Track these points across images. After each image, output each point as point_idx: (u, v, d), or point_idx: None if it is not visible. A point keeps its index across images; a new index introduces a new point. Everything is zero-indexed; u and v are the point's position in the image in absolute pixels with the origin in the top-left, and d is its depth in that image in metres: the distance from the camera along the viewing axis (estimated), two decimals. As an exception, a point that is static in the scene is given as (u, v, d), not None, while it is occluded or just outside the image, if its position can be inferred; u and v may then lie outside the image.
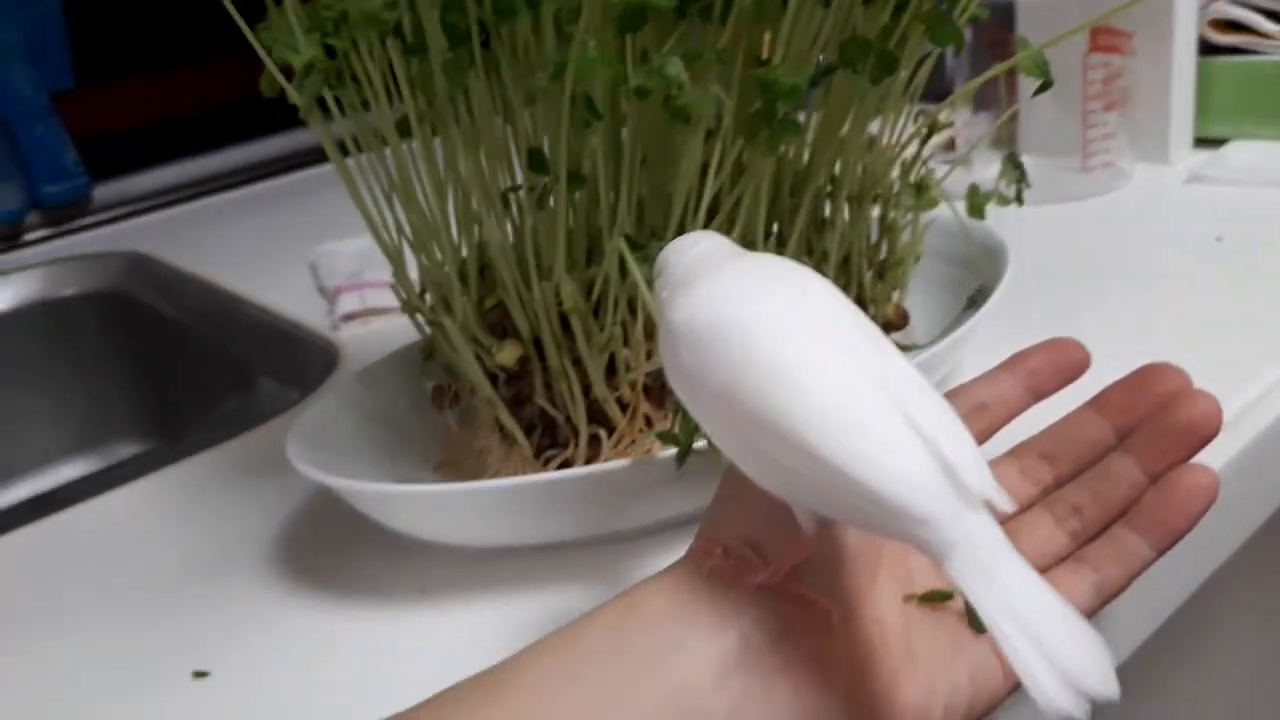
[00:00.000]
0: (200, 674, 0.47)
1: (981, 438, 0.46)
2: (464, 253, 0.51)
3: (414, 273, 0.53)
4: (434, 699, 0.33)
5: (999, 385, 0.43)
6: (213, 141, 1.25)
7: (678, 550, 0.37)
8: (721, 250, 0.36)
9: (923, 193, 0.57)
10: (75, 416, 1.00)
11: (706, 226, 0.48)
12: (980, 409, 0.43)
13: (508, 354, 0.50)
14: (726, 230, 0.49)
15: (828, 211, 0.54)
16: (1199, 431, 0.40)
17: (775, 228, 0.52)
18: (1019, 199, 0.59)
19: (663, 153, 0.49)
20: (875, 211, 0.56)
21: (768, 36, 0.48)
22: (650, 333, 0.49)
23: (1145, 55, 0.84)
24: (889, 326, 0.57)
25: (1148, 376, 0.42)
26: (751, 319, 0.32)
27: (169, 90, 1.24)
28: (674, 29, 0.45)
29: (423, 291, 0.53)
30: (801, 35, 0.47)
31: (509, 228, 0.50)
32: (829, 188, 0.54)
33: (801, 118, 0.49)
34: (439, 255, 0.51)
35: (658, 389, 0.51)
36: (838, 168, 0.53)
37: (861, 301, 0.56)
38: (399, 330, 0.61)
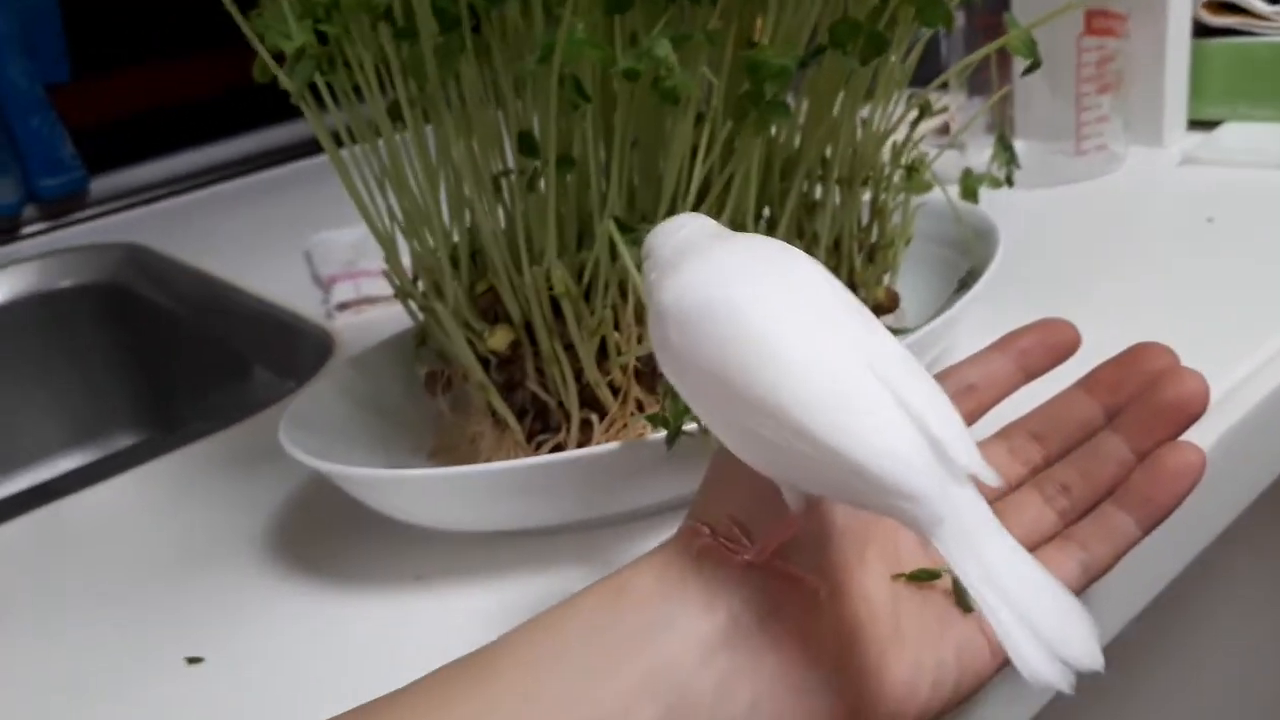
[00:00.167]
0: (194, 660, 0.47)
1: (972, 418, 0.46)
2: (456, 238, 0.51)
3: (407, 259, 0.53)
4: (424, 679, 0.34)
5: (990, 365, 0.43)
6: (209, 133, 1.25)
7: (669, 533, 0.37)
8: (709, 232, 0.36)
9: (914, 176, 0.57)
10: (72, 407, 1.01)
11: (696, 209, 0.48)
12: (970, 389, 0.43)
13: (499, 339, 0.50)
14: (717, 213, 0.49)
15: (818, 194, 0.54)
16: (1186, 409, 0.40)
17: (766, 210, 0.53)
18: (1009, 180, 0.59)
19: (653, 135, 0.49)
20: (866, 194, 0.57)
21: (759, 19, 0.48)
22: (641, 316, 0.49)
23: (1139, 37, 0.84)
24: (879, 309, 0.58)
25: (1136, 355, 0.42)
26: (740, 298, 0.32)
27: (165, 82, 1.24)
28: (663, 11, 0.45)
29: (415, 277, 0.54)
30: (791, 17, 0.47)
31: (500, 212, 0.50)
32: (819, 170, 0.54)
33: (792, 100, 0.49)
34: (431, 241, 0.52)
35: (649, 373, 0.51)
36: (828, 150, 0.53)
37: (852, 284, 0.56)
38: (394, 319, 0.62)
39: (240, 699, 0.45)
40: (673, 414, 0.46)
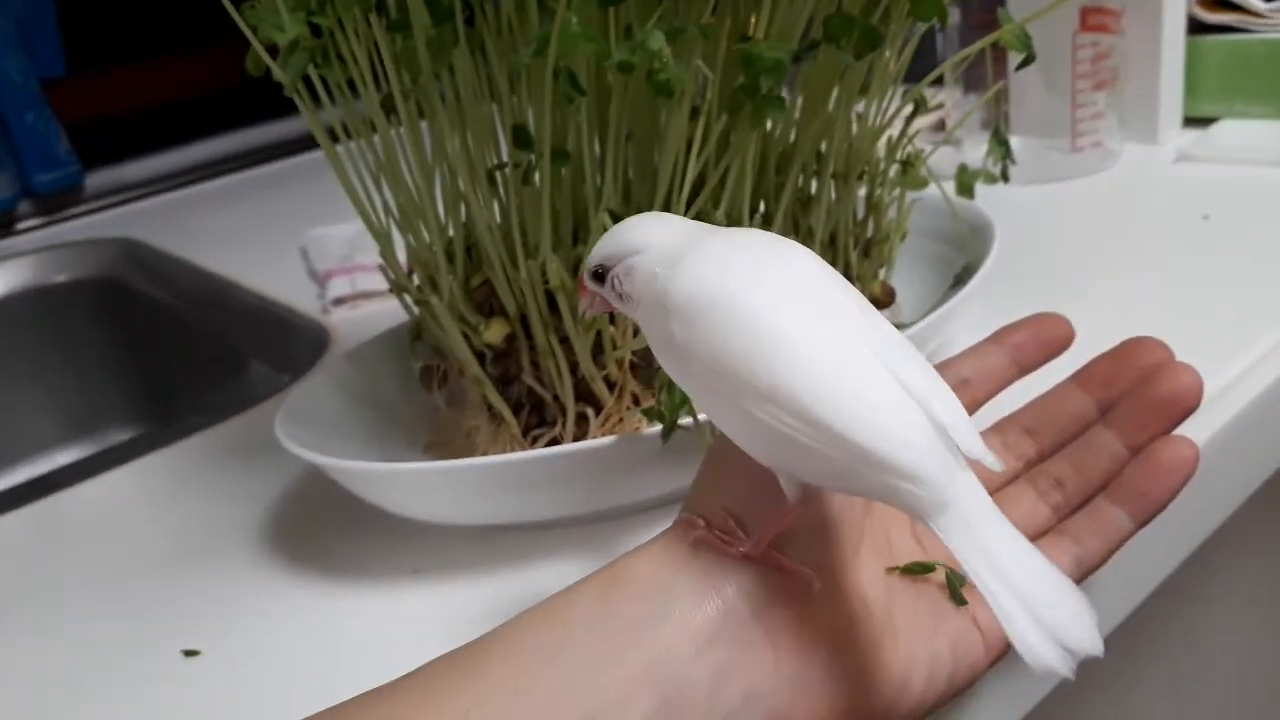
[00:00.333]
0: (191, 652, 0.47)
1: (966, 411, 0.47)
2: (451, 232, 0.52)
3: (402, 254, 0.53)
4: (418, 671, 0.34)
5: (984, 359, 0.44)
6: (204, 128, 1.26)
7: (665, 526, 0.37)
8: (692, 226, 0.36)
9: (909, 171, 0.57)
10: (68, 402, 1.01)
11: (692, 203, 0.48)
12: (964, 383, 0.43)
13: (495, 332, 0.50)
14: (712, 207, 0.49)
15: (814, 189, 0.54)
16: (1180, 404, 0.40)
17: (761, 205, 0.53)
18: (1005, 176, 0.59)
19: (648, 129, 0.49)
20: (861, 189, 0.57)
21: (753, 13, 0.48)
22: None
23: (1134, 34, 0.84)
24: (875, 304, 0.57)
25: (1130, 350, 0.42)
26: (743, 290, 0.33)
27: (160, 77, 1.24)
28: (657, 4, 0.45)
29: (410, 272, 0.54)
30: (785, 11, 0.47)
31: (495, 206, 0.50)
32: (814, 165, 0.54)
33: (787, 95, 0.49)
34: (426, 235, 0.52)
35: (644, 367, 0.51)
36: (823, 145, 0.53)
37: (848, 279, 0.56)
38: (389, 313, 0.62)
39: (237, 691, 0.45)
40: (668, 408, 0.46)
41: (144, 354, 0.99)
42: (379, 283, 0.79)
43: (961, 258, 0.61)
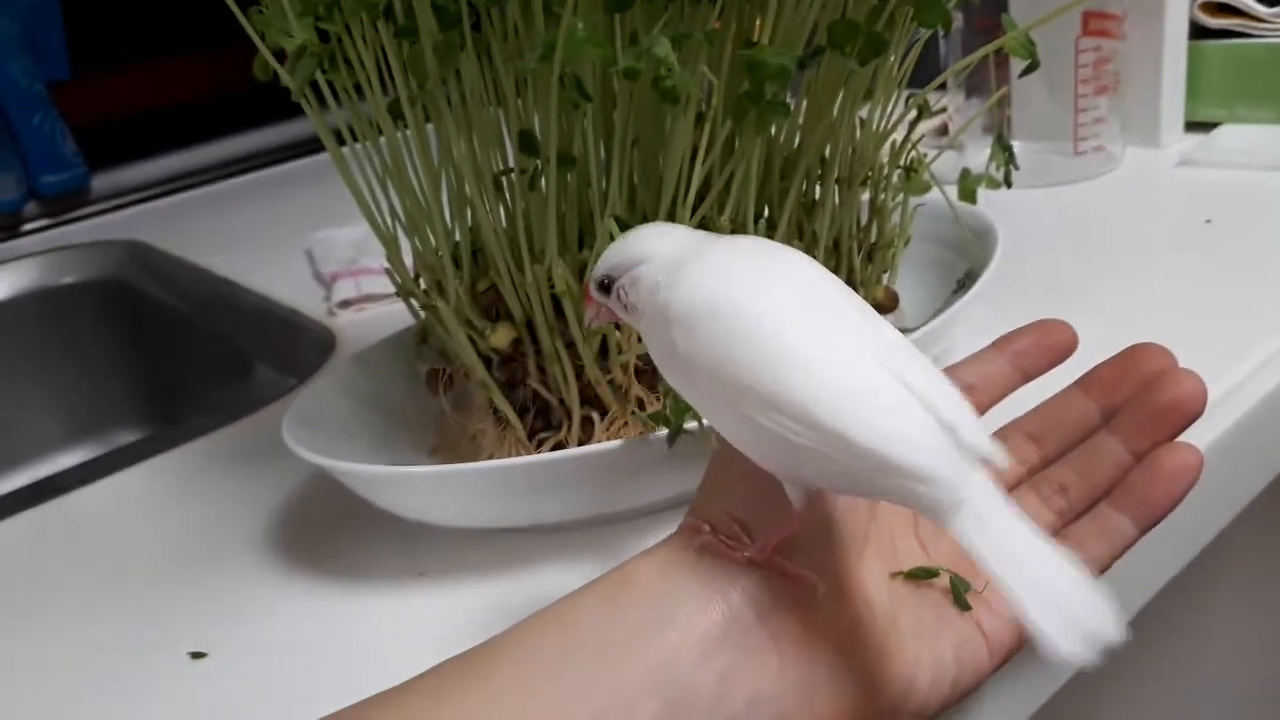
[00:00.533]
0: (198, 655, 0.47)
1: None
2: (457, 236, 0.52)
3: (409, 258, 0.54)
4: (426, 675, 0.34)
5: (987, 366, 0.44)
6: (210, 130, 1.26)
7: (670, 530, 0.37)
8: (696, 236, 0.36)
9: (912, 176, 0.57)
10: (73, 404, 1.01)
11: (696, 208, 0.48)
12: (968, 389, 0.43)
13: (500, 337, 0.50)
14: (717, 213, 0.49)
15: (818, 194, 0.55)
16: (1184, 410, 0.40)
17: (765, 210, 0.53)
18: (1008, 181, 0.59)
19: (653, 134, 0.50)
20: (865, 194, 0.57)
21: (758, 19, 0.49)
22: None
23: (1136, 39, 0.84)
24: (879, 309, 0.57)
25: (1134, 356, 0.42)
26: (745, 297, 0.33)
27: (166, 79, 1.24)
28: (663, 10, 0.45)
29: (417, 276, 0.54)
30: (790, 17, 0.47)
31: (501, 211, 0.51)
32: (819, 170, 0.54)
33: (791, 100, 0.49)
34: (432, 239, 0.52)
35: (649, 371, 0.51)
36: (827, 150, 0.53)
37: (851, 284, 0.56)
38: (395, 316, 0.62)
39: (243, 694, 0.45)
40: (674, 412, 0.46)
41: (149, 356, 0.99)
42: (384, 286, 0.79)
43: (964, 263, 0.62)
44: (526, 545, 0.51)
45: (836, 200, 0.55)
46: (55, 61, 1.17)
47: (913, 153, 0.58)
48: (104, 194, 1.20)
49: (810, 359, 0.31)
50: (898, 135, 0.57)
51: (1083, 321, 0.44)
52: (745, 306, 0.32)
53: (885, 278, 0.59)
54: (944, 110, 0.91)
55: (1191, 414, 0.40)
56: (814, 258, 0.53)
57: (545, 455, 0.47)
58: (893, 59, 0.53)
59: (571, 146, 0.48)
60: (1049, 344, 0.44)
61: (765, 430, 0.31)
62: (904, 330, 0.55)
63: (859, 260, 0.57)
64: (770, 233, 0.51)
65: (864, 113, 0.55)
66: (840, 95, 0.52)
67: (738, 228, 0.50)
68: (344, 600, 0.50)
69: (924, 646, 0.36)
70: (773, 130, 0.50)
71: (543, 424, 0.52)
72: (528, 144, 0.47)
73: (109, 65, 1.21)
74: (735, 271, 0.34)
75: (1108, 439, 0.41)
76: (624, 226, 0.46)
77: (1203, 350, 0.45)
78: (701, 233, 0.37)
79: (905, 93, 0.56)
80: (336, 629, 0.48)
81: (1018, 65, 0.51)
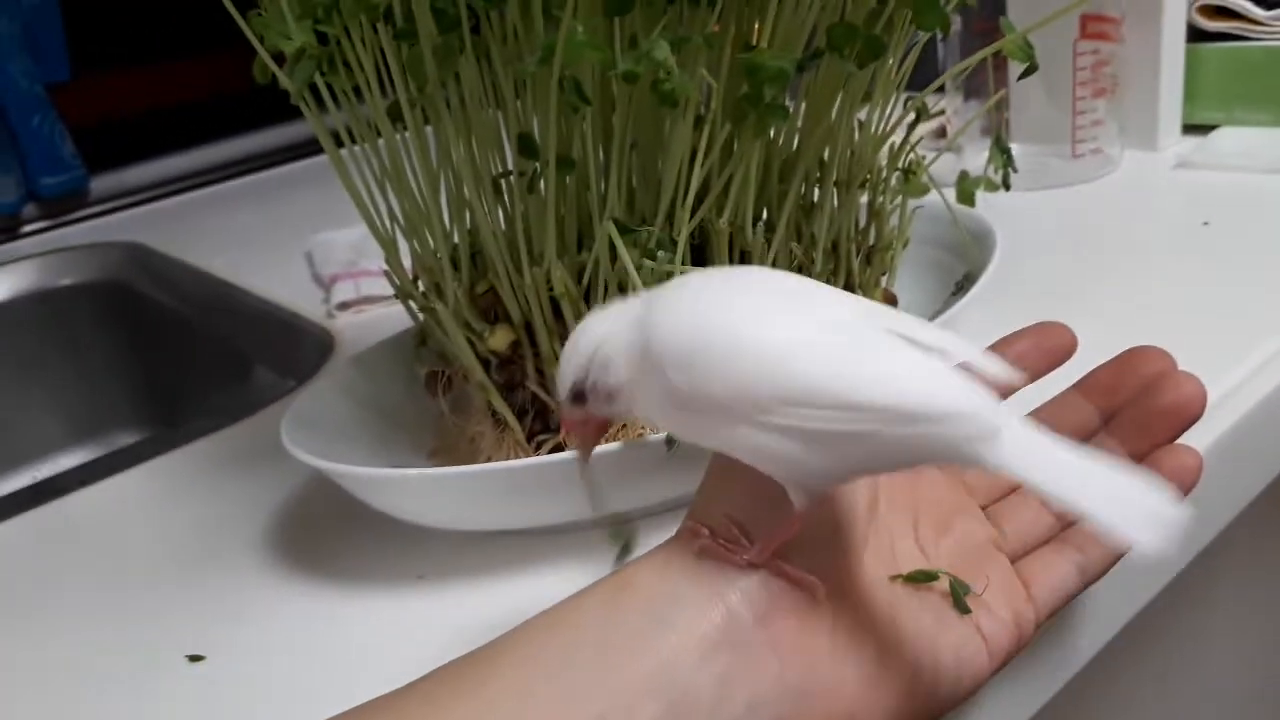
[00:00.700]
0: (196, 658, 0.47)
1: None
2: (456, 239, 0.52)
3: (407, 260, 0.54)
4: (424, 678, 0.34)
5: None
6: (209, 132, 1.26)
7: (669, 533, 0.37)
8: (631, 300, 0.36)
9: (911, 178, 0.57)
10: (72, 406, 1.01)
11: (695, 211, 0.48)
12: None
13: (499, 339, 0.51)
14: (716, 215, 0.49)
15: (816, 197, 0.55)
16: (1183, 413, 0.40)
17: (764, 213, 0.53)
18: (1006, 184, 0.59)
19: (652, 137, 0.50)
20: (863, 197, 0.57)
21: (757, 23, 0.49)
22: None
23: (1134, 42, 0.84)
24: (878, 311, 0.58)
25: (1133, 359, 0.42)
26: (726, 314, 0.33)
27: (165, 81, 1.25)
28: (662, 14, 0.46)
29: (415, 278, 0.54)
30: (789, 20, 0.48)
31: (500, 213, 0.51)
32: (817, 173, 0.54)
33: (790, 103, 0.49)
34: (431, 241, 0.52)
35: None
36: (826, 153, 0.54)
37: (850, 286, 0.56)
38: (394, 318, 0.62)
39: (241, 697, 0.45)
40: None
41: (149, 358, 0.99)
42: (384, 287, 0.79)
43: (963, 265, 0.62)
44: (525, 548, 0.51)
45: (835, 203, 0.55)
46: (55, 63, 1.17)
47: (911, 155, 0.58)
48: (103, 196, 1.20)
49: (813, 344, 0.31)
50: (896, 138, 0.57)
51: (1081, 324, 0.44)
52: (733, 320, 0.33)
53: (884, 280, 0.59)
54: (942, 113, 0.91)
55: (1191, 417, 0.40)
56: (813, 260, 0.54)
57: (544, 458, 0.47)
58: (891, 62, 0.53)
59: (570, 149, 0.48)
60: (1048, 347, 0.44)
61: (795, 432, 0.31)
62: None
63: (857, 262, 0.57)
64: (769, 235, 0.51)
65: (862, 115, 0.55)
66: (839, 98, 0.52)
67: (736, 230, 0.50)
68: (342, 603, 0.50)
69: (923, 650, 0.36)
70: (771, 133, 0.50)
71: (541, 426, 0.52)
72: (527, 147, 0.47)
73: (109, 67, 1.21)
74: (704, 297, 0.34)
75: (1107, 441, 0.41)
76: (623, 229, 0.46)
77: (1201, 352, 0.45)
78: (634, 296, 0.37)
79: (904, 95, 0.56)
80: (335, 632, 0.48)
81: (1016, 68, 0.51)
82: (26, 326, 1.00)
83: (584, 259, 0.49)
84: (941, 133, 0.93)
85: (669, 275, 0.47)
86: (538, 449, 0.52)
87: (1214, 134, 0.88)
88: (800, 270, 0.54)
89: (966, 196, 0.61)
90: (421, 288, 0.53)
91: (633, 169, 0.50)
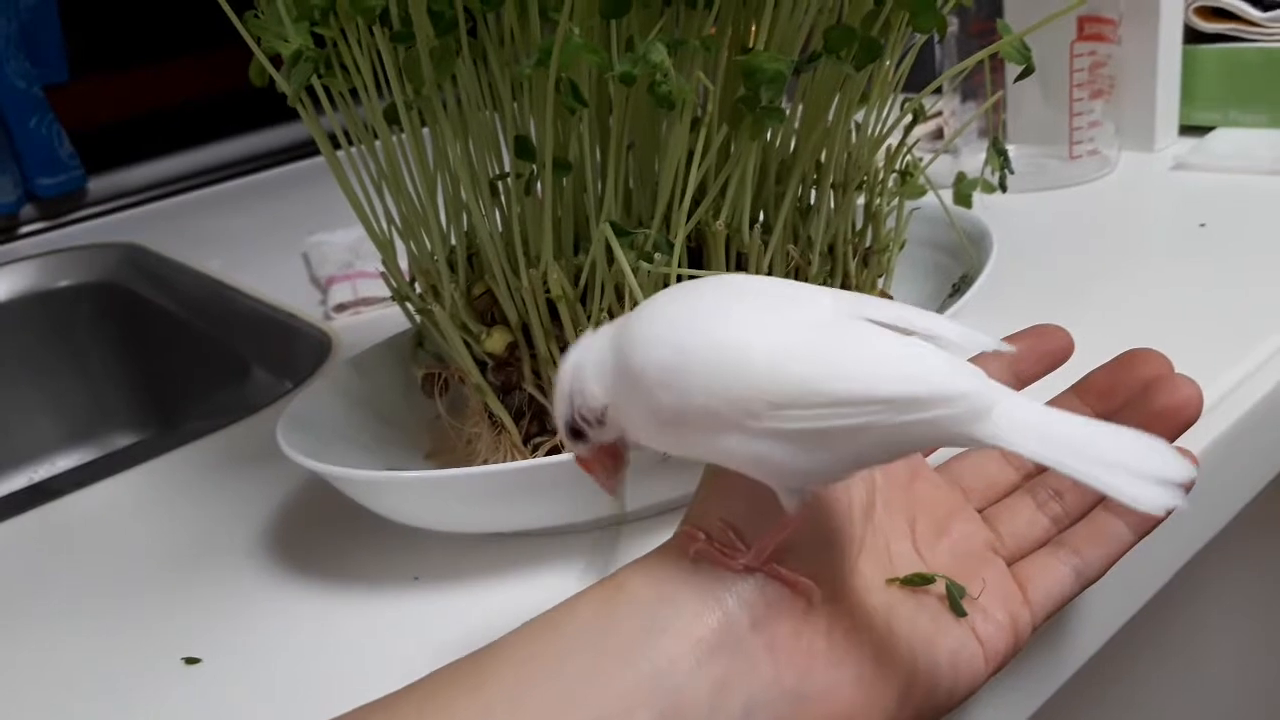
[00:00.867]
0: (192, 660, 0.47)
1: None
2: (452, 241, 0.52)
3: (404, 262, 0.54)
4: (419, 682, 0.34)
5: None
6: (207, 133, 1.26)
7: (665, 536, 0.37)
8: (601, 329, 0.36)
9: (908, 180, 0.58)
10: (69, 407, 1.01)
11: (692, 213, 0.48)
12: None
13: (496, 341, 0.50)
14: (713, 217, 0.49)
15: (813, 198, 0.55)
16: (1180, 416, 0.40)
17: (761, 215, 0.53)
18: (1003, 185, 0.59)
19: (649, 140, 0.50)
20: (860, 199, 0.57)
21: (754, 25, 0.49)
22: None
23: (1131, 43, 0.84)
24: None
25: (1129, 361, 0.42)
26: (707, 321, 0.33)
27: (163, 83, 1.25)
28: (659, 16, 0.46)
29: (412, 280, 0.54)
30: (786, 22, 0.48)
31: (497, 215, 0.51)
32: (814, 175, 0.54)
33: (787, 105, 0.49)
34: (428, 243, 0.52)
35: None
36: (823, 155, 0.54)
37: (847, 288, 0.56)
38: (391, 320, 0.62)
39: (237, 699, 0.45)
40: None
41: (146, 359, 0.99)
42: (380, 289, 0.79)
43: (959, 266, 0.62)
44: (521, 550, 0.51)
45: (832, 205, 0.55)
46: (53, 64, 1.17)
47: (908, 157, 0.58)
48: (101, 197, 1.20)
49: (791, 344, 0.31)
50: (893, 139, 0.57)
51: (1078, 325, 0.44)
52: (713, 329, 0.33)
53: (881, 282, 0.59)
54: (939, 114, 0.91)
55: (1188, 419, 0.40)
56: (809, 262, 0.54)
57: (540, 460, 0.47)
58: (888, 63, 0.53)
59: (567, 151, 0.48)
60: (1045, 349, 0.44)
61: (785, 434, 0.31)
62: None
63: (854, 264, 0.57)
64: (765, 237, 0.51)
65: (859, 117, 0.55)
66: (836, 100, 0.52)
67: (734, 232, 0.50)
68: (338, 605, 0.50)
69: (919, 654, 0.36)
70: (768, 135, 0.50)
71: (538, 428, 0.52)
72: (523, 149, 0.47)
73: (106, 68, 1.21)
74: (676, 309, 0.34)
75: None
76: (619, 231, 0.46)
77: (1198, 354, 0.45)
78: (604, 325, 0.36)
79: (901, 97, 0.56)
80: (330, 634, 0.48)
81: (1013, 70, 0.51)
82: (24, 327, 1.00)
83: (581, 261, 0.49)
84: (938, 134, 0.93)
85: (666, 277, 0.47)
86: (534, 451, 0.52)
87: (1211, 135, 0.88)
88: (797, 272, 0.54)
89: (963, 198, 0.61)
90: (418, 289, 0.53)
91: (629, 171, 0.50)
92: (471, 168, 0.50)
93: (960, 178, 0.62)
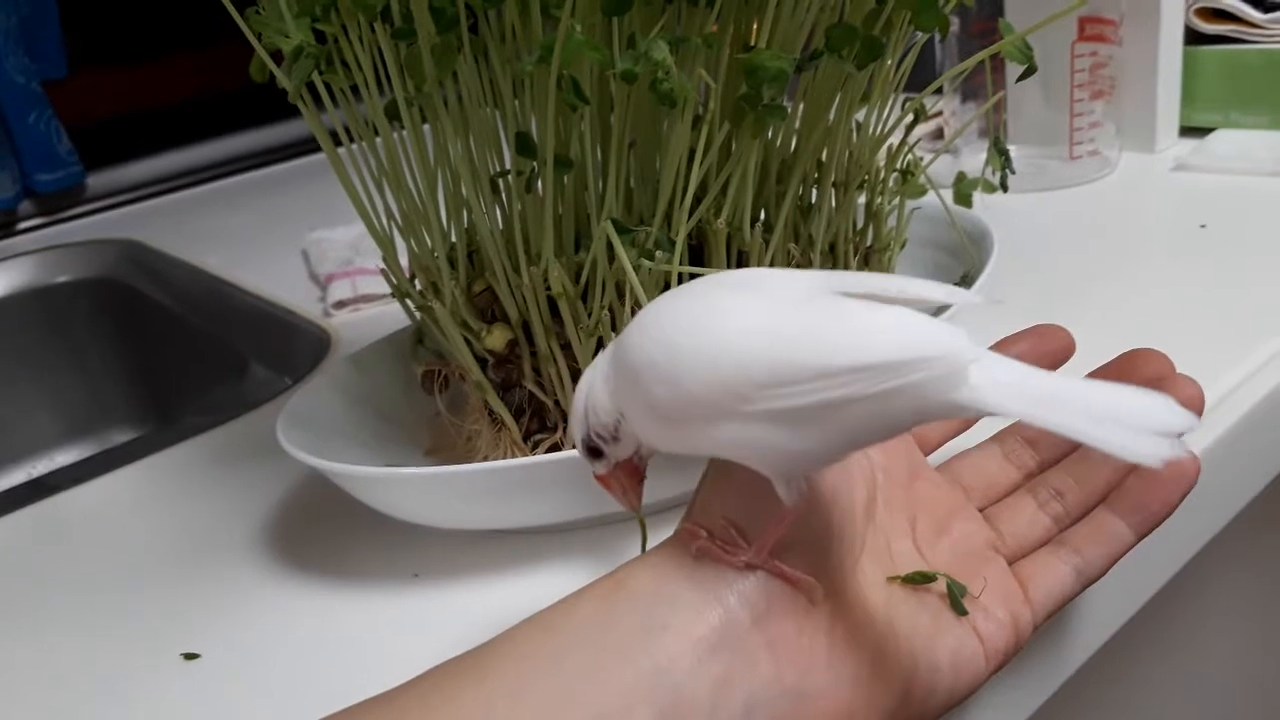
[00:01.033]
0: (191, 656, 0.47)
1: (964, 425, 0.47)
2: (453, 238, 0.52)
3: (404, 258, 0.54)
4: (419, 678, 0.34)
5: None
6: (206, 130, 1.26)
7: (666, 533, 0.37)
8: (607, 349, 0.37)
9: (909, 180, 0.58)
10: (68, 403, 1.01)
11: (693, 211, 0.48)
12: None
13: (496, 338, 0.50)
14: (714, 216, 0.49)
15: (814, 197, 0.55)
16: (1180, 416, 0.40)
17: (762, 213, 0.53)
18: (1004, 186, 0.59)
19: (650, 137, 0.50)
20: (861, 198, 0.57)
21: (755, 23, 0.49)
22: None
23: (1132, 44, 0.84)
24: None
25: (1131, 361, 0.42)
26: (690, 312, 0.33)
27: (162, 78, 1.24)
28: (660, 14, 0.45)
29: (412, 277, 0.54)
30: (788, 21, 0.48)
31: (498, 212, 0.51)
32: (815, 174, 0.54)
33: (788, 104, 0.49)
34: (428, 240, 0.52)
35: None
36: (824, 154, 0.54)
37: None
38: (391, 316, 0.62)
39: (237, 695, 0.45)
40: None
41: (145, 355, 0.99)
42: (380, 286, 0.79)
43: (960, 266, 0.62)
44: (521, 547, 0.51)
45: (833, 204, 0.55)
46: (51, 60, 1.17)
47: (909, 156, 0.58)
48: (99, 193, 1.20)
49: (783, 321, 0.31)
50: (894, 139, 0.57)
51: (1079, 325, 0.44)
52: (697, 318, 0.33)
53: (881, 281, 0.59)
54: (940, 114, 0.91)
55: (1188, 420, 0.40)
56: (810, 261, 0.54)
57: (540, 457, 0.47)
58: (889, 63, 0.53)
59: (568, 149, 0.48)
60: (1046, 349, 0.44)
61: (777, 414, 0.31)
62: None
63: (855, 263, 0.57)
64: (766, 235, 0.51)
65: (861, 116, 0.55)
66: (837, 99, 0.52)
67: (734, 230, 0.50)
68: (338, 602, 0.50)
69: (920, 652, 0.36)
70: (770, 133, 0.50)
71: (538, 425, 0.52)
72: (524, 146, 0.47)
73: (105, 64, 1.21)
74: (660, 309, 0.34)
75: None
76: (620, 229, 0.46)
77: (1198, 354, 0.45)
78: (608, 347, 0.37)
79: (902, 96, 0.56)
80: (330, 631, 0.48)
81: (1014, 70, 0.51)
82: (22, 323, 1.00)
83: (581, 259, 0.49)
84: (939, 134, 0.93)
85: (667, 275, 0.47)
86: (534, 448, 0.52)
87: (1211, 136, 0.88)
88: (798, 271, 0.54)
89: (964, 198, 0.61)
90: (418, 286, 0.53)
91: (631, 169, 0.50)
92: (472, 165, 0.49)
93: (961, 177, 0.62)
